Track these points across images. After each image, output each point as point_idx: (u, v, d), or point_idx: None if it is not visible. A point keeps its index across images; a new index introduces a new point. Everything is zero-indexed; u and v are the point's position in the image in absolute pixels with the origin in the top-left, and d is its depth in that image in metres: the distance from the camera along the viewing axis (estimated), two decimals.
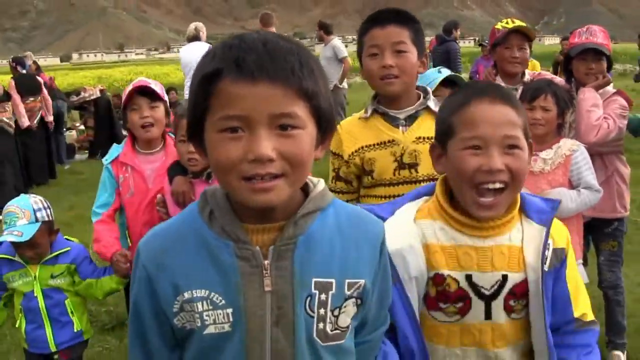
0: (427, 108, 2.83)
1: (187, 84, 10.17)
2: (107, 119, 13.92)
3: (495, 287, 1.88)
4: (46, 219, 3.48)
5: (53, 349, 3.51)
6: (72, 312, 3.57)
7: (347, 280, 1.57)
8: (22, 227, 3.35)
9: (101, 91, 14.31)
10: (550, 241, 1.90)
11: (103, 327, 4.97)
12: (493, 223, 1.88)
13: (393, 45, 2.71)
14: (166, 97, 3.79)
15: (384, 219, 1.89)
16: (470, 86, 2.06)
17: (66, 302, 3.55)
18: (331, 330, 1.58)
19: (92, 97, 13.73)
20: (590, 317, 1.99)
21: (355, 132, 2.90)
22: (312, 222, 1.56)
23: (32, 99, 10.68)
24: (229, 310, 1.52)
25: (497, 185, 1.81)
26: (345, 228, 1.60)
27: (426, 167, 2.73)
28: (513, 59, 3.95)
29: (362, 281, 1.59)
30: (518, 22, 4.03)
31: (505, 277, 1.87)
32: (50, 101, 11.48)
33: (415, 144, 2.80)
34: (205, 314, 1.53)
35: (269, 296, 1.52)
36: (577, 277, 1.99)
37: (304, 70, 1.42)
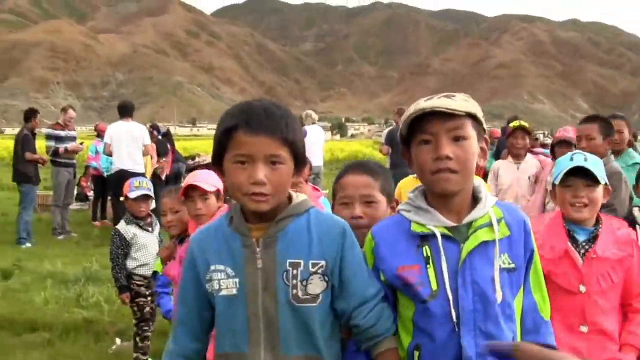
0: None
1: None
2: None
3: None
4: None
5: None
6: None
7: (311, 261, 2.04)
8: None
9: None
10: None
11: None
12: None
13: None
14: (220, 184, 3.84)
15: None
16: (350, 164, 2.73)
17: None
18: (302, 295, 2.03)
19: (205, 162, 15.54)
20: None
21: None
22: (289, 223, 2.06)
23: (164, 159, 12.97)
24: (237, 280, 2.05)
25: (360, 228, 2.38)
26: (313, 227, 2.07)
27: None
28: (517, 145, 6.26)
29: (322, 262, 2.05)
30: (522, 123, 6.38)
31: None
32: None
33: None
34: (221, 281, 2.07)
35: (260, 271, 2.04)
36: None
37: (289, 128, 1.97)
